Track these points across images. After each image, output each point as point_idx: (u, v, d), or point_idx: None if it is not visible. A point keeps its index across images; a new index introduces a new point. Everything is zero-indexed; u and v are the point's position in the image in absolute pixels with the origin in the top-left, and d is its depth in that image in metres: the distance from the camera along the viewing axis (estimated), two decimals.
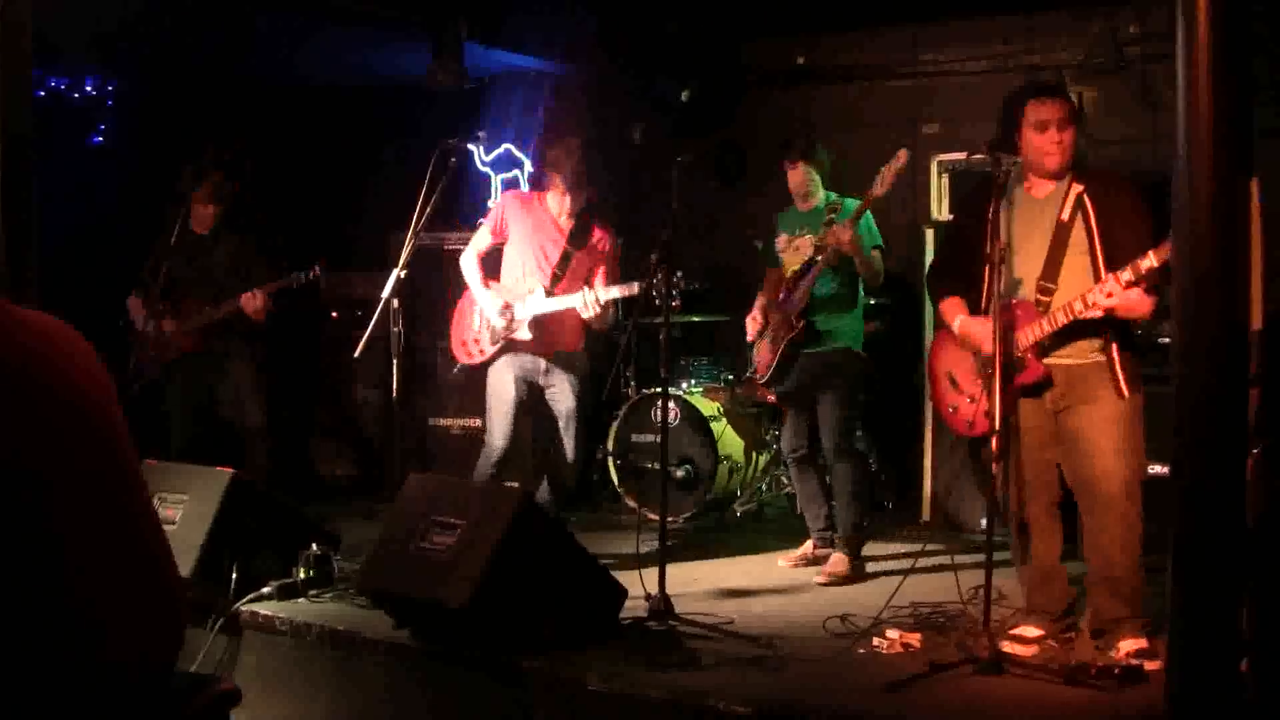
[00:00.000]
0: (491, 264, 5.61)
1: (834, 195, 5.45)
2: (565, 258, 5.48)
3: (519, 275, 5.50)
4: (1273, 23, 4.71)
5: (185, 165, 6.25)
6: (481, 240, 5.58)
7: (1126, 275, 3.74)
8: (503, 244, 5.58)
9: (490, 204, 5.83)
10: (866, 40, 7.48)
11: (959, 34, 7.19)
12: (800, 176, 5.48)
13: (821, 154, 5.51)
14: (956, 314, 4.24)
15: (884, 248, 5.38)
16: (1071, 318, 3.89)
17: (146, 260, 6.25)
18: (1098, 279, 3.88)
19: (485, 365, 5.56)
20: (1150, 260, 3.68)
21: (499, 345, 5.48)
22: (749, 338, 5.73)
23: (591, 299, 5.25)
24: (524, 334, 5.42)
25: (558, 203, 5.52)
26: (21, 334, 2.22)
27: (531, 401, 5.57)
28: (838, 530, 5.39)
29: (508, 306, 5.43)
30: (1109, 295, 3.78)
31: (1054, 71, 6.62)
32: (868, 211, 5.30)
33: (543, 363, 5.52)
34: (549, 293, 5.41)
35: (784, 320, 5.36)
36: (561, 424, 5.56)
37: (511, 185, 7.42)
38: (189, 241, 6.16)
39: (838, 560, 5.27)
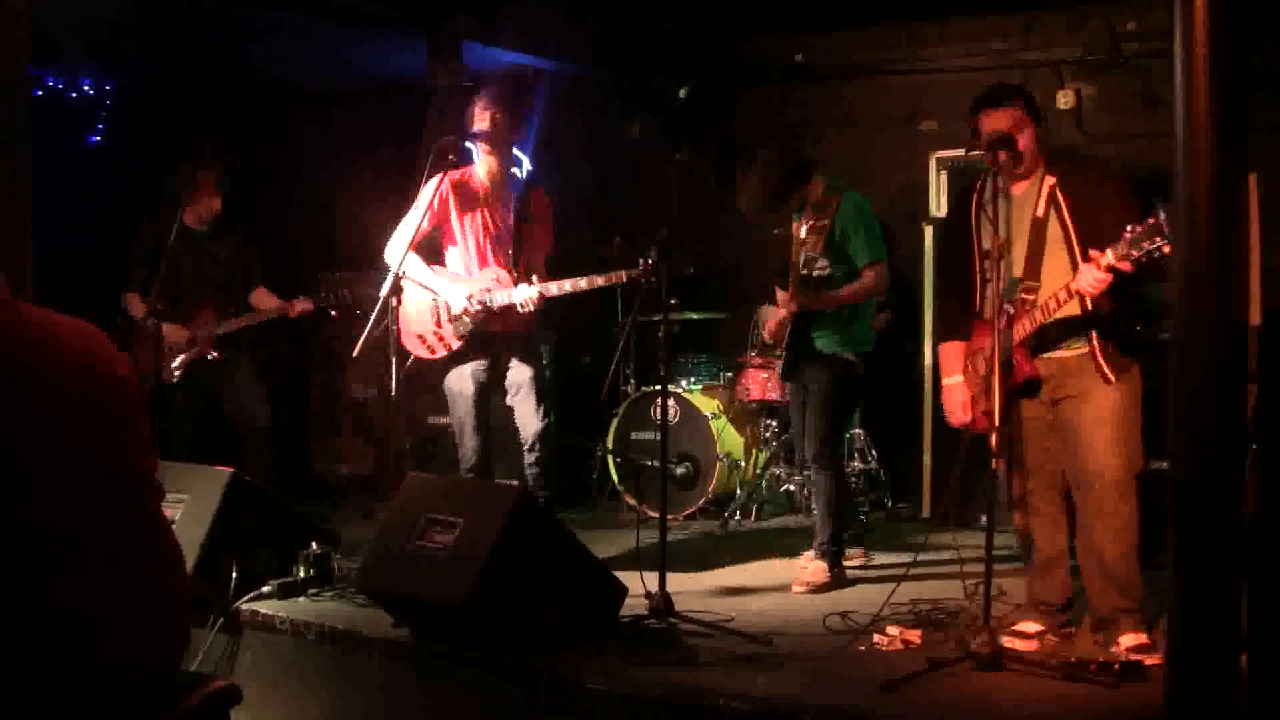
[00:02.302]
0: (426, 250, 5.44)
1: (841, 181, 5.25)
2: (519, 235, 5.35)
3: (470, 260, 5.37)
4: (1272, 18, 4.71)
5: (181, 162, 6.22)
6: (410, 225, 5.22)
7: (1107, 260, 3.70)
8: (439, 225, 5.40)
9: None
10: (864, 38, 7.48)
11: (957, 31, 7.19)
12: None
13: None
14: (950, 371, 4.26)
15: (884, 260, 5.18)
16: (1051, 314, 3.90)
17: (132, 255, 6.20)
18: (1076, 271, 3.88)
19: (448, 360, 5.42)
20: (1108, 258, 3.67)
21: (464, 338, 5.34)
22: (766, 337, 5.69)
23: (533, 293, 5.16)
24: (485, 323, 5.31)
25: (485, 169, 5.38)
26: (28, 334, 2.21)
27: (494, 383, 5.45)
28: (815, 539, 5.27)
29: (473, 298, 5.30)
30: (1090, 278, 3.75)
31: (1052, 68, 6.63)
32: (871, 218, 5.18)
33: (499, 340, 5.40)
34: (514, 277, 5.29)
35: (786, 324, 5.32)
36: (512, 393, 5.42)
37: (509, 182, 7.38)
38: (188, 237, 6.12)
39: (817, 570, 5.14)
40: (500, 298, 5.28)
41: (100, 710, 2.14)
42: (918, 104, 7.32)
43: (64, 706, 2.10)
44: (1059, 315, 3.90)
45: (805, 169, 5.20)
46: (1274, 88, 5.16)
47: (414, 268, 5.31)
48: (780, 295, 5.16)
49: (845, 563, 5.31)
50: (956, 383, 4.24)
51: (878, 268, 5.12)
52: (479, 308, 5.29)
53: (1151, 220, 3.54)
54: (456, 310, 5.33)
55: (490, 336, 5.37)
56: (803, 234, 5.24)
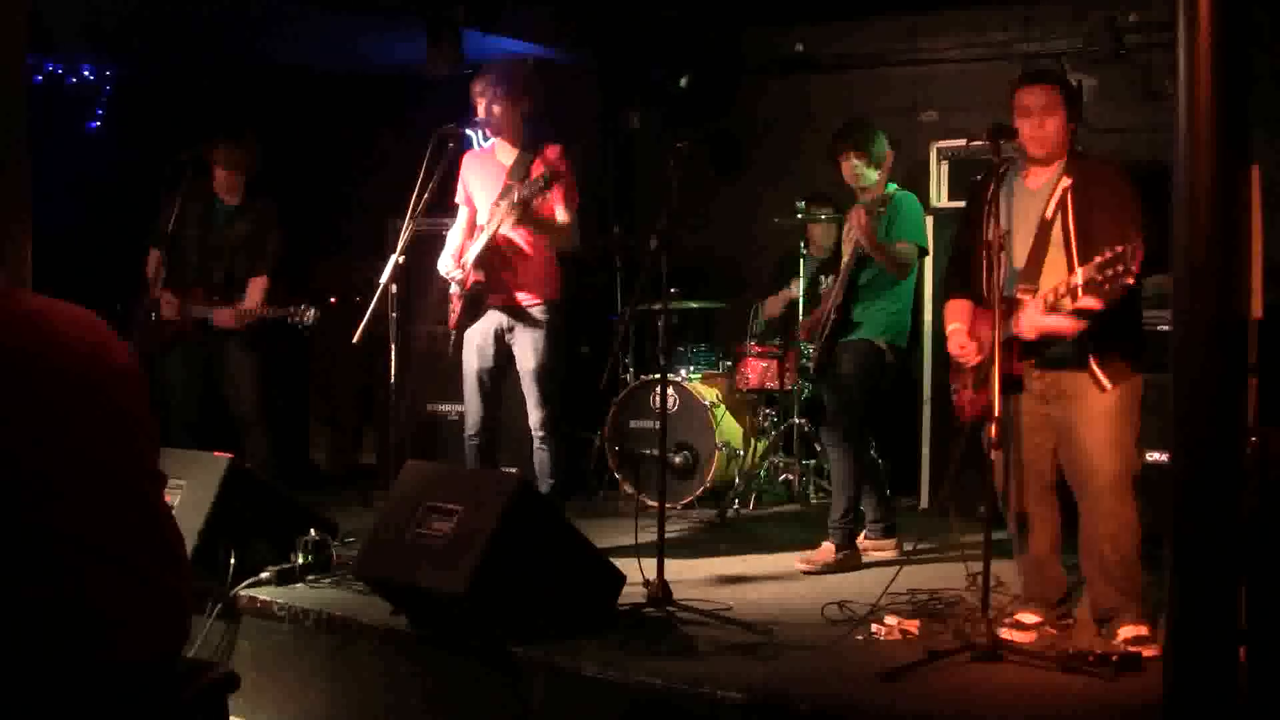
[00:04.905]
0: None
1: (894, 187, 5.27)
2: (506, 192, 5.28)
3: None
4: (1273, 12, 4.71)
5: (204, 139, 6.17)
6: (461, 217, 5.49)
7: (1075, 280, 3.70)
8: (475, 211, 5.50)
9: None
10: (865, 28, 7.47)
11: (957, 22, 7.18)
12: (848, 169, 5.30)
13: (876, 144, 5.26)
14: (951, 321, 4.25)
15: (920, 245, 5.25)
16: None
17: (161, 214, 6.06)
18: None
19: (461, 327, 5.44)
20: (1076, 277, 3.66)
21: (463, 300, 5.38)
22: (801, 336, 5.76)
23: (506, 205, 5.11)
24: (474, 277, 5.32)
25: (505, 149, 5.44)
26: (27, 324, 2.20)
27: (502, 363, 5.44)
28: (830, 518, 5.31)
29: (449, 259, 5.40)
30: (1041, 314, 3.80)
31: (1054, 60, 6.62)
32: (914, 201, 5.26)
33: (507, 318, 5.37)
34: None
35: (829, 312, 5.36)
36: (522, 378, 5.41)
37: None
38: (208, 211, 6.09)
39: (825, 550, 5.20)
40: (470, 252, 5.34)
41: (99, 703, 2.14)
42: (918, 95, 7.31)
43: (63, 701, 2.09)
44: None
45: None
46: (1277, 79, 5.16)
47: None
48: (855, 213, 5.16)
49: (877, 554, 5.33)
50: (953, 328, 4.21)
51: (913, 246, 5.24)
52: (453, 265, 5.38)
53: (1121, 248, 3.51)
54: (442, 272, 5.45)
55: (481, 299, 5.37)
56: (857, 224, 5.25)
